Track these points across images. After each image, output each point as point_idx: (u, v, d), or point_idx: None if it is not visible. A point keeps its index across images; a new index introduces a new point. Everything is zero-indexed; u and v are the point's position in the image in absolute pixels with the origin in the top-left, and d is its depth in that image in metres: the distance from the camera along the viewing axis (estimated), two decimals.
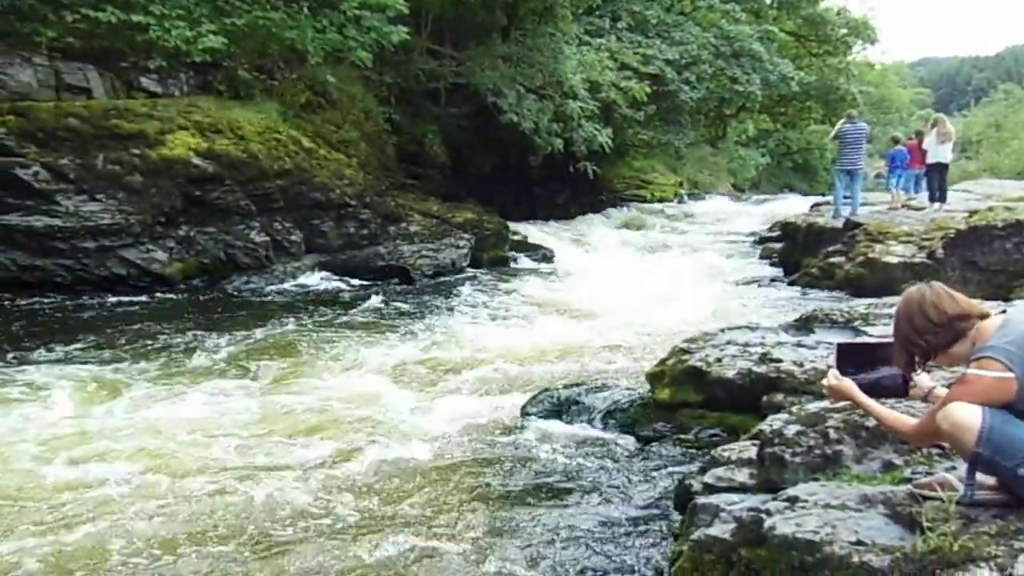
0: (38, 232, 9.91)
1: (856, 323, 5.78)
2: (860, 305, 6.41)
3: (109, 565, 3.53)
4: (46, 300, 9.60)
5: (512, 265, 14.40)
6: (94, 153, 10.28)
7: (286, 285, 11.37)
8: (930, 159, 13.89)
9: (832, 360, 2.88)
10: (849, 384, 2.76)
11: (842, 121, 14.12)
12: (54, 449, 4.93)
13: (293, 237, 12.18)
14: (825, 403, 3.55)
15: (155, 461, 4.75)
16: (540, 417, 5.54)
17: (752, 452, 3.57)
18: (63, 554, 3.63)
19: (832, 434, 3.35)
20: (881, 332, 5.17)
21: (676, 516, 3.76)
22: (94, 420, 5.55)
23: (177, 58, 11.15)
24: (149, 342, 7.89)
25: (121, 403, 5.94)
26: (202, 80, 12.31)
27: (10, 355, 7.21)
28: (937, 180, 13.83)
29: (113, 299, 9.86)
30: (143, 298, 10.05)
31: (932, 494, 2.63)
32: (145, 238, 10.58)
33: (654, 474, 4.47)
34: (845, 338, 4.95)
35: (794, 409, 3.81)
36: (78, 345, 7.65)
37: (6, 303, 9.32)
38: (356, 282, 11.99)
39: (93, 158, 10.26)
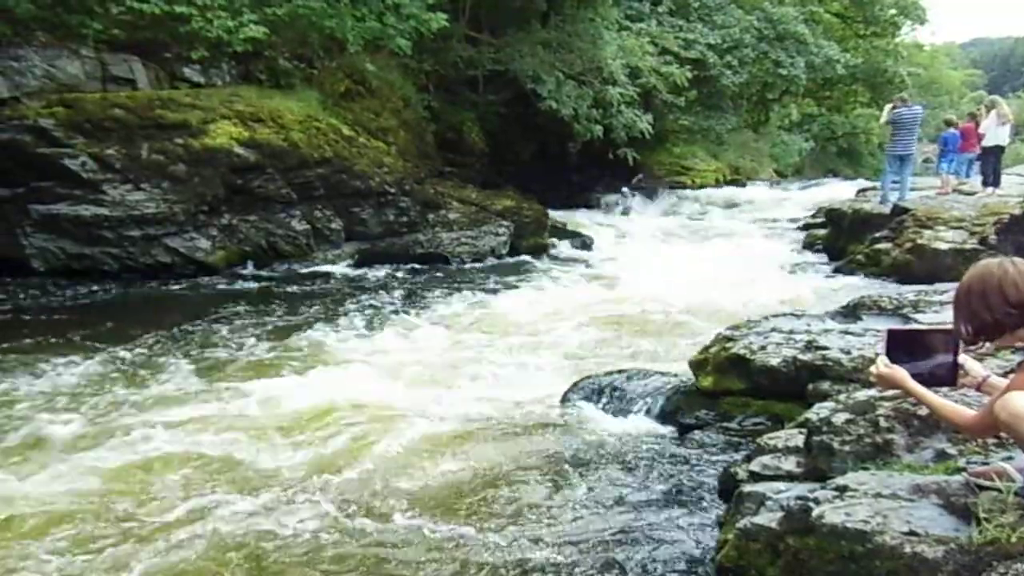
0: (86, 221, 10.15)
1: (905, 310, 5.64)
2: (909, 292, 6.25)
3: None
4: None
5: (551, 252, 14.32)
6: (139, 143, 10.46)
7: (327, 272, 11.49)
8: (988, 142, 13.49)
9: (881, 347, 2.78)
10: (901, 372, 2.66)
11: (892, 105, 13.72)
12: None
13: (333, 225, 12.27)
14: (874, 391, 3.46)
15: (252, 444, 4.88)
16: (580, 404, 5.50)
17: (799, 440, 3.50)
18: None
19: (882, 422, 3.26)
20: (931, 320, 5.04)
21: (720, 504, 3.71)
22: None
23: (219, 48, 11.30)
24: (205, 327, 8.05)
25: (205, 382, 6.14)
26: (243, 70, 12.43)
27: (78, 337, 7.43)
28: (992, 164, 13.44)
29: (170, 286, 10.11)
30: (188, 285, 10.25)
31: (989, 484, 2.53)
32: (189, 226, 10.76)
33: (697, 462, 4.41)
34: (894, 325, 4.82)
35: (841, 397, 3.73)
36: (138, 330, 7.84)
37: (59, 291, 9.57)
38: (396, 269, 12.06)
39: (138, 148, 10.45)
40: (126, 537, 3.69)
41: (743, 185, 28.51)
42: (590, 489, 4.14)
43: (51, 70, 10.41)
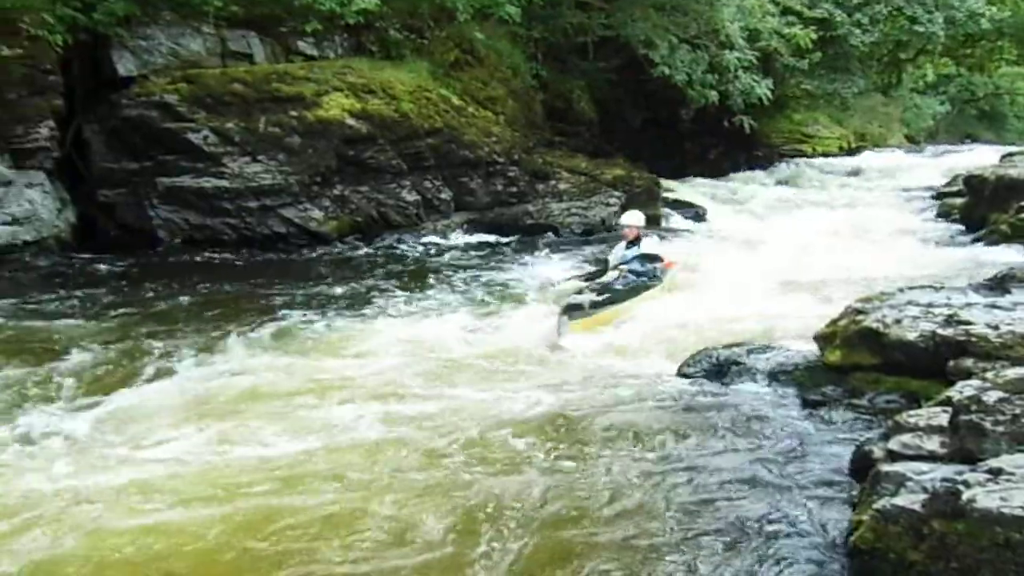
0: (208, 193, 10.58)
1: None
2: None
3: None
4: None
5: (664, 223, 13.92)
6: (256, 116, 10.78)
7: (437, 242, 11.60)
8: None
9: None
10: None
11: None
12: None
13: (443, 195, 12.31)
14: None
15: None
16: (698, 378, 5.30)
17: (942, 419, 3.18)
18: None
19: None
20: None
21: (852, 484, 3.45)
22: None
23: (332, 21, 11.46)
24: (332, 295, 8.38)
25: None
26: (355, 42, 12.59)
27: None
28: None
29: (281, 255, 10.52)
30: (305, 254, 10.59)
31: None
32: (303, 197, 11.04)
33: (825, 439, 4.16)
34: None
35: (990, 375, 3.39)
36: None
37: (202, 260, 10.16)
38: (505, 239, 12.03)
39: (256, 121, 10.77)
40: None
41: (870, 152, 26.97)
42: (710, 465, 3.94)
43: (175, 47, 10.85)
